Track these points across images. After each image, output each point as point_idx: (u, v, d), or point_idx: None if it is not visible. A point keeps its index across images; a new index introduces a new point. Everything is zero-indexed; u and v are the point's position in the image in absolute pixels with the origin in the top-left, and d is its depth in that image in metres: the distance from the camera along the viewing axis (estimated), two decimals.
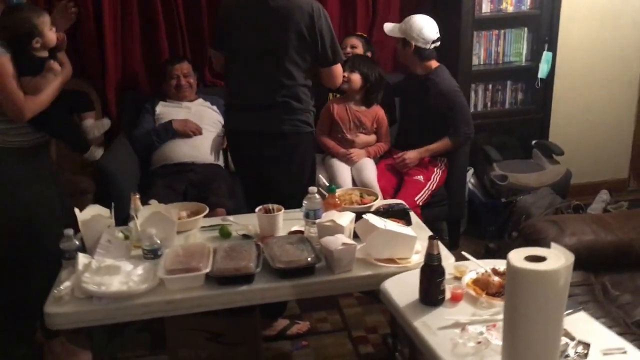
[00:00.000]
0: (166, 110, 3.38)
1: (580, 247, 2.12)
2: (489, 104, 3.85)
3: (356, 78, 3.02)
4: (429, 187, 3.09)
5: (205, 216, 2.37)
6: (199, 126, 3.28)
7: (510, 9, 3.67)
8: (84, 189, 3.00)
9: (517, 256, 1.34)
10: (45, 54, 2.30)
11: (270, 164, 2.53)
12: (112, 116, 3.49)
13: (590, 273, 2.14)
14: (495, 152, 3.65)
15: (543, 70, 3.67)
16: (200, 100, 3.48)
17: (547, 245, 2.03)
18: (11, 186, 2.28)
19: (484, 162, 3.66)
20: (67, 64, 2.36)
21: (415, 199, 3.00)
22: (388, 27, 3.14)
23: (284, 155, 2.50)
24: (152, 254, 1.95)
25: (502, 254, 3.05)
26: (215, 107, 3.47)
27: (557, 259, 1.31)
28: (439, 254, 1.66)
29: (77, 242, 1.96)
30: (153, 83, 3.60)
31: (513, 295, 1.34)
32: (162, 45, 3.54)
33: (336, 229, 2.00)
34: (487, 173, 3.59)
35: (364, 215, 2.02)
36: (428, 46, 3.04)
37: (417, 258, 1.98)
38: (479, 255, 3.35)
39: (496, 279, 1.76)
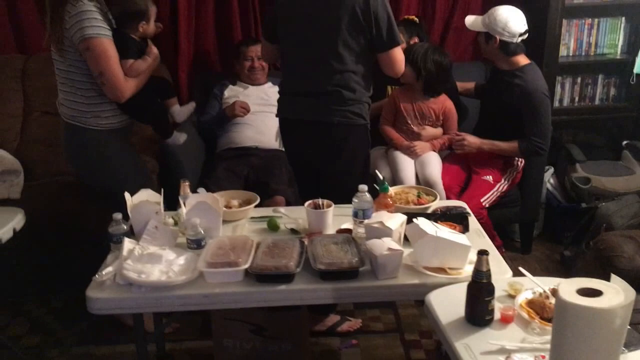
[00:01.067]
0: (234, 94, 3.37)
1: None
2: (576, 99, 3.56)
3: (405, 71, 2.78)
4: (498, 188, 2.88)
5: (263, 204, 2.33)
6: (247, 106, 3.22)
7: None
8: (149, 169, 3.05)
9: (569, 288, 1.19)
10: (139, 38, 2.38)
11: (318, 155, 2.43)
12: (183, 97, 3.54)
13: None
14: (578, 151, 3.37)
15: (639, 65, 3.33)
16: (269, 84, 3.45)
17: (621, 265, 1.83)
18: (106, 162, 2.41)
19: (566, 162, 3.39)
20: (154, 49, 2.43)
21: (482, 200, 2.81)
22: (469, 20, 2.89)
23: (333, 147, 2.39)
24: (196, 244, 1.92)
25: (578, 264, 2.88)
26: None
27: (615, 294, 1.15)
28: (488, 270, 1.52)
29: (125, 227, 1.98)
30: (225, 65, 3.60)
31: (560, 331, 1.19)
32: (235, 27, 3.54)
33: (384, 231, 1.89)
34: (568, 174, 3.33)
35: (414, 219, 1.90)
36: (514, 40, 2.76)
37: (471, 269, 1.83)
38: (554, 264, 3.18)
39: (554, 302, 1.59)
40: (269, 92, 3.39)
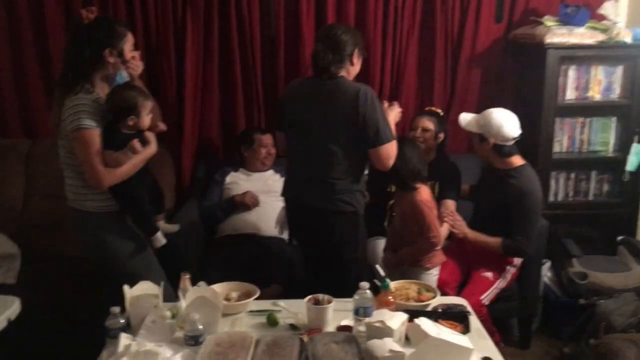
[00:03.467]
0: (235, 180, 3.43)
1: None
2: (570, 194, 3.61)
3: None
4: (498, 285, 2.87)
5: (260, 292, 2.32)
6: (257, 198, 3.31)
7: (597, 97, 3.46)
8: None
9: None
10: (132, 131, 2.43)
11: (313, 240, 2.65)
12: (185, 182, 3.60)
13: None
14: (575, 246, 3.38)
15: (632, 163, 3.41)
16: (271, 172, 3.51)
17: None
18: (106, 245, 2.46)
19: (562, 256, 3.40)
20: (153, 143, 2.49)
21: (481, 297, 2.79)
22: (464, 118, 2.95)
23: (324, 232, 2.57)
24: (193, 340, 1.90)
25: None
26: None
27: None
28: None
29: (122, 321, 1.95)
30: (226, 152, 3.68)
31: None
32: (239, 116, 3.63)
33: (385, 331, 1.87)
34: (565, 269, 3.33)
35: (416, 320, 1.89)
36: (508, 143, 2.83)
37: None
38: (551, 359, 3.13)
39: None
40: (271, 180, 3.45)
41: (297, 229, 2.81)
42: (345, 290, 2.16)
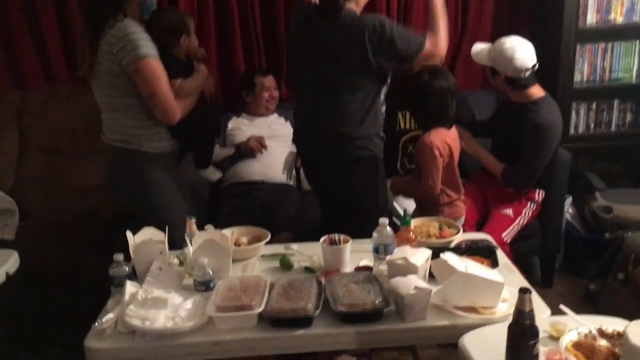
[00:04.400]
0: (238, 126, 3.26)
1: None
2: (592, 126, 3.43)
3: None
4: (519, 222, 2.74)
5: (270, 240, 2.20)
6: (262, 141, 3.12)
7: (620, 19, 3.25)
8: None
9: (638, 331, 1.03)
10: (184, 54, 2.32)
11: (332, 191, 2.42)
12: None
13: None
14: (598, 179, 3.24)
15: None
16: (275, 116, 3.34)
17: None
18: (151, 187, 2.31)
19: (585, 191, 3.25)
20: (204, 68, 2.37)
21: (503, 235, 2.66)
22: (475, 50, 2.75)
23: (341, 182, 2.36)
24: (204, 286, 1.77)
25: (605, 298, 2.71)
26: (289, 123, 3.30)
27: None
28: (531, 311, 1.37)
29: (126, 269, 1.82)
30: (226, 97, 3.50)
31: None
32: (238, 58, 3.44)
33: (409, 268, 1.74)
34: (588, 203, 3.19)
35: (442, 254, 1.75)
36: (522, 75, 2.63)
37: (504, 308, 1.69)
38: (577, 298, 3.01)
39: (604, 343, 1.44)
40: (276, 124, 3.28)
41: (313, 180, 2.61)
42: (365, 237, 2.01)
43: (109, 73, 2.18)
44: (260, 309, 1.64)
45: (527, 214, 2.80)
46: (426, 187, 2.45)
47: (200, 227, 2.13)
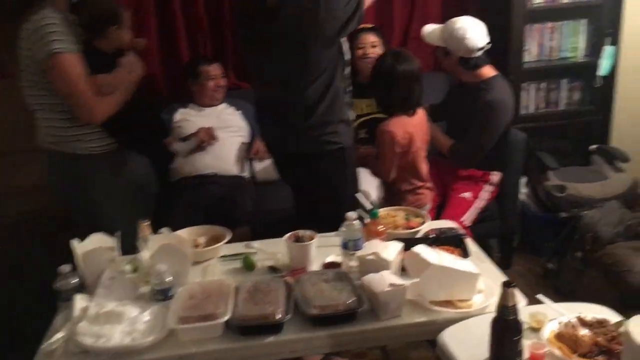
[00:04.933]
0: (185, 117, 3.09)
1: None
2: (542, 105, 3.45)
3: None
4: (477, 205, 2.71)
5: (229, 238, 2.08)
6: (211, 132, 2.96)
7: None
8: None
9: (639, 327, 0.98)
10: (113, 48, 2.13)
11: (300, 183, 2.31)
12: None
13: None
14: (550, 158, 3.25)
15: (604, 67, 3.25)
16: (224, 105, 3.18)
17: (634, 280, 1.67)
18: (87, 192, 2.14)
19: (538, 170, 3.27)
20: (138, 63, 2.17)
21: (462, 219, 2.62)
22: (427, 30, 2.69)
23: (309, 175, 2.24)
24: (162, 294, 1.64)
25: (566, 278, 2.73)
26: (240, 112, 3.16)
27: None
28: (515, 305, 1.31)
29: (74, 281, 1.66)
30: (171, 87, 3.32)
31: None
32: (182, 46, 3.26)
33: (381, 264, 1.66)
34: (541, 183, 3.21)
35: (413, 248, 1.68)
36: (473, 55, 2.59)
37: (480, 300, 1.64)
38: (537, 277, 3.03)
39: (585, 332, 1.40)
40: (225, 114, 3.13)
41: (282, 172, 2.47)
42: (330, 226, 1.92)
43: (28, 71, 2.00)
44: (227, 317, 1.53)
45: (484, 197, 2.78)
46: (381, 171, 2.44)
47: (153, 226, 1.98)
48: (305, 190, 2.32)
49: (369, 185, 2.66)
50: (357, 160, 2.44)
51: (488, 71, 2.68)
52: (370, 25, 3.07)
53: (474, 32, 2.56)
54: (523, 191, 3.28)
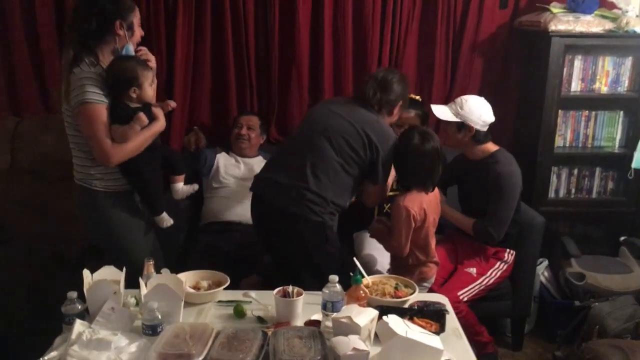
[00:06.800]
0: (224, 163, 3.33)
1: None
2: (572, 191, 3.46)
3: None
4: (482, 282, 2.74)
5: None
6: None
7: (605, 89, 3.30)
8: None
9: None
10: (138, 105, 2.35)
11: (276, 240, 2.59)
12: None
13: None
14: (574, 245, 3.24)
15: (638, 160, 3.25)
16: (260, 158, 3.40)
17: None
18: (110, 225, 2.40)
19: (561, 256, 3.26)
20: (161, 117, 2.41)
21: (459, 293, 2.67)
22: (439, 109, 2.78)
23: (286, 235, 2.50)
24: (151, 330, 1.80)
25: None
26: None
27: None
28: None
29: (79, 307, 1.86)
30: (218, 139, 3.56)
31: None
32: (231, 102, 3.52)
33: (352, 328, 1.76)
34: (562, 268, 3.19)
35: (384, 317, 1.77)
36: (485, 129, 2.73)
37: None
38: None
39: None
40: (257, 167, 3.33)
41: (261, 229, 2.66)
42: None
43: (66, 112, 2.32)
44: (200, 358, 1.67)
45: (494, 274, 2.80)
46: (394, 246, 2.50)
47: (174, 265, 2.18)
48: (286, 253, 2.53)
49: (378, 250, 2.77)
50: (375, 236, 2.63)
51: (492, 146, 2.80)
52: (416, 97, 3.14)
53: (486, 107, 2.73)
54: (545, 275, 3.28)
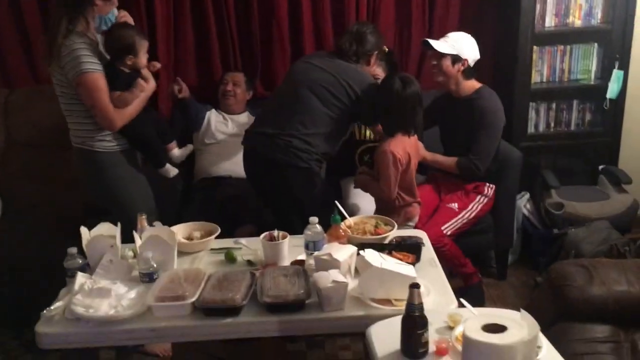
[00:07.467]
0: (214, 120, 3.44)
1: (609, 298, 1.91)
2: (552, 125, 3.56)
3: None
4: (464, 216, 2.88)
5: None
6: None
7: (578, 22, 3.37)
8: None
9: (475, 325, 1.20)
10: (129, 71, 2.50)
11: (265, 188, 2.74)
12: None
13: (619, 329, 1.92)
14: (553, 177, 3.37)
15: (613, 90, 3.34)
16: (247, 114, 3.50)
17: (572, 294, 1.85)
18: (113, 182, 2.57)
19: (542, 188, 3.39)
20: (150, 80, 2.56)
21: (443, 227, 2.80)
22: (437, 43, 2.86)
23: (274, 182, 2.64)
24: (148, 277, 1.96)
25: (534, 293, 2.85)
26: None
27: (518, 330, 1.17)
28: (420, 303, 1.53)
29: (79, 261, 2.01)
30: (204, 98, 3.65)
31: None
32: (215, 62, 3.58)
33: (332, 263, 1.91)
34: (543, 200, 3.33)
35: (361, 251, 1.92)
36: (473, 65, 2.85)
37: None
38: (527, 290, 3.17)
39: None
40: (245, 123, 3.43)
41: (253, 181, 2.81)
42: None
43: (60, 84, 2.42)
44: (194, 299, 1.82)
45: (475, 208, 2.93)
46: (382, 191, 2.60)
47: (172, 221, 2.33)
48: (276, 199, 2.69)
49: (363, 198, 2.91)
50: (361, 186, 2.74)
51: (476, 83, 2.91)
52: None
53: (475, 44, 2.86)
54: (527, 207, 3.42)
